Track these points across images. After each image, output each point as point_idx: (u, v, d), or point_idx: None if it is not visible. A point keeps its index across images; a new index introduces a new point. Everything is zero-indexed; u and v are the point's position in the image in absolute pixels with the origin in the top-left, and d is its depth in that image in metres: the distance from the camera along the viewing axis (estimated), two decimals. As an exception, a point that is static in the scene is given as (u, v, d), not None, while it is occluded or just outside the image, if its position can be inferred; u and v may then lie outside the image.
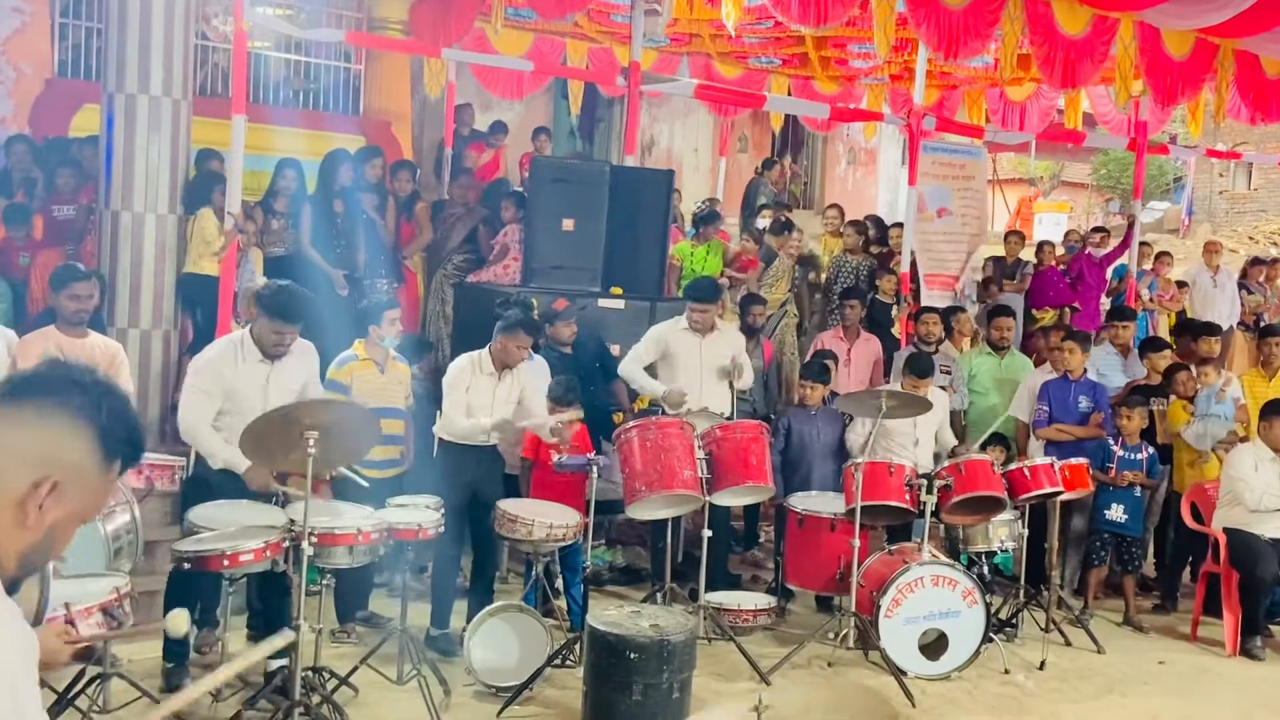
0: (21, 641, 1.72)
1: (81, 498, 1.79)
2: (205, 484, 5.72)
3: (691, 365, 7.56)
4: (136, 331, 7.45)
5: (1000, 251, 12.52)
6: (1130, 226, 12.21)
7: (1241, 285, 13.53)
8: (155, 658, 5.83)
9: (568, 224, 8.70)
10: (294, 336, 5.78)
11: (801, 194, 14.45)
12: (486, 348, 6.55)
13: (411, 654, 5.81)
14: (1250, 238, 25.16)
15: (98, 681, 5.14)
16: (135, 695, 5.31)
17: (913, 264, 10.45)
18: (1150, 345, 9.09)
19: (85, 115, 9.76)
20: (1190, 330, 9.73)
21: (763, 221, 11.52)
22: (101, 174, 7.58)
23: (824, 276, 11.13)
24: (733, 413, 7.41)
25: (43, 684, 4.82)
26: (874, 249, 11.33)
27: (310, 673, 5.29)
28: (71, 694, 5.10)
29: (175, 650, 5.80)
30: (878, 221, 12.15)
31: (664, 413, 7.17)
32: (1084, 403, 8.17)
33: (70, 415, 1.76)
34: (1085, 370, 8.41)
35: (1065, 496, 7.33)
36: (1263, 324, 11.97)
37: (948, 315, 9.52)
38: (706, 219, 10.58)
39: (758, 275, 10.36)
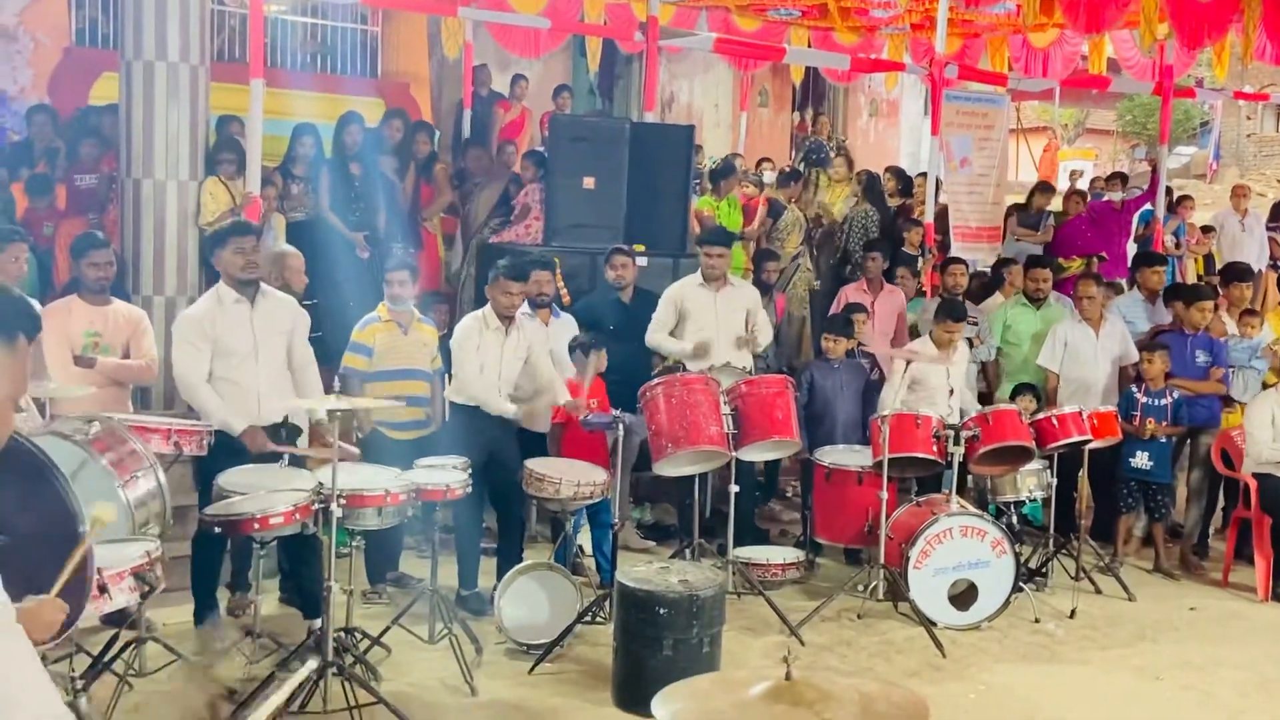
0: None
1: (1, 383, 1.89)
2: (228, 449, 5.77)
3: (708, 319, 7.54)
4: (161, 298, 7.49)
5: (1020, 200, 12.39)
6: (1154, 172, 12.07)
7: (1270, 228, 13.37)
8: (189, 621, 5.89)
9: (588, 182, 8.67)
10: (255, 251, 5.93)
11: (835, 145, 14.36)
12: (489, 302, 6.56)
13: (442, 614, 5.85)
14: (1279, 180, 24.87)
15: (133, 645, 5.20)
16: (170, 659, 5.38)
17: (939, 215, 10.37)
18: (1185, 293, 8.90)
19: (104, 84, 9.76)
20: (1224, 275, 9.61)
21: (769, 174, 11.46)
22: (122, 142, 7.60)
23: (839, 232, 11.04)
24: (754, 367, 7.40)
25: (78, 649, 4.92)
26: (893, 200, 11.25)
27: (343, 633, 5.34)
28: (107, 658, 5.17)
29: (205, 613, 5.87)
30: (899, 173, 12.04)
31: (686, 368, 7.17)
32: (1201, 357, 8.06)
33: None
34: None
35: (1094, 445, 7.29)
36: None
37: (999, 268, 9.45)
38: (723, 173, 10.53)
39: (765, 229, 10.32)
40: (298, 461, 5.69)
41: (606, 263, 7.86)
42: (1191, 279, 12.34)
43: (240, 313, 5.88)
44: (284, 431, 5.99)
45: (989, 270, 10.07)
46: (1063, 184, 16.81)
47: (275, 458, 5.69)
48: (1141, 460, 7.70)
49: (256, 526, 4.98)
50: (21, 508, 3.68)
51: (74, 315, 6.14)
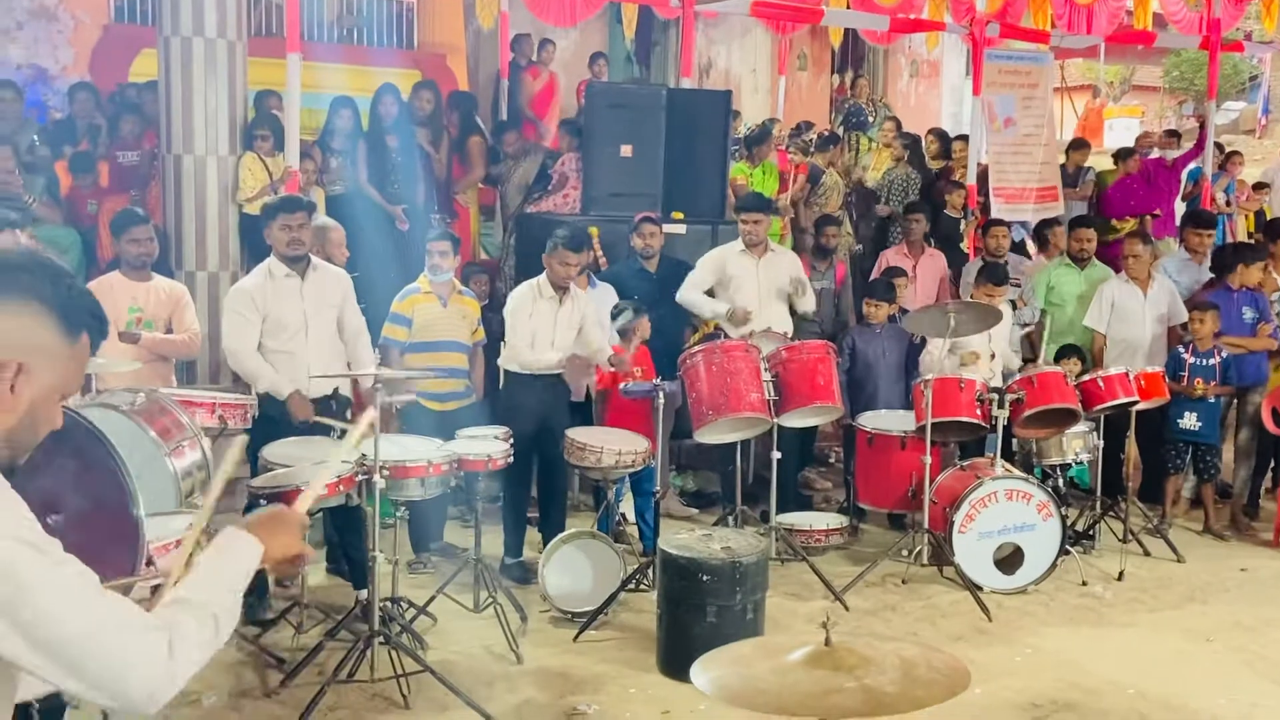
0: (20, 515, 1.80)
1: (54, 373, 1.86)
2: (272, 421, 5.81)
3: (749, 286, 7.50)
4: (204, 274, 7.56)
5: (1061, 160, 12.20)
6: (1203, 128, 11.85)
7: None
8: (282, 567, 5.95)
9: (626, 150, 8.62)
10: (306, 229, 5.96)
11: (871, 108, 14.20)
12: (544, 273, 6.55)
13: (487, 582, 5.89)
14: (1331, 135, 24.35)
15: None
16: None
17: (980, 176, 10.25)
18: (1235, 252, 8.72)
19: (144, 60, 9.82)
20: (1269, 231, 9.43)
21: (810, 135, 11.36)
22: (161, 118, 7.65)
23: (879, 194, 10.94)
24: (795, 333, 7.36)
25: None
26: (934, 163, 11.12)
27: (389, 603, 5.38)
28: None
29: (255, 584, 5.91)
30: (942, 135, 11.90)
31: (727, 336, 7.13)
32: (1248, 313, 7.94)
33: (20, 299, 1.83)
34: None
35: (1142, 406, 7.20)
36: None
37: (1042, 228, 9.34)
38: (758, 139, 10.45)
39: (805, 193, 10.23)
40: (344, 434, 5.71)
41: (634, 231, 7.83)
42: (1242, 236, 12.13)
43: (291, 286, 5.93)
44: (334, 404, 6.02)
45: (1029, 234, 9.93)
46: (1111, 143, 16.57)
47: (320, 429, 5.73)
48: (1190, 421, 7.60)
49: (300, 498, 5.01)
50: (76, 487, 3.73)
51: (116, 292, 6.19)
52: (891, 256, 9.08)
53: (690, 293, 7.58)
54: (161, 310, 6.37)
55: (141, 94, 9.12)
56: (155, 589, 4.63)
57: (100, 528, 3.77)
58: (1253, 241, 8.88)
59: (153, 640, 1.83)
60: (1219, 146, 12.83)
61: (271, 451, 5.43)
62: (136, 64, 10.22)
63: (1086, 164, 11.79)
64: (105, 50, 10.69)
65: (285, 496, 5.01)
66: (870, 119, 13.15)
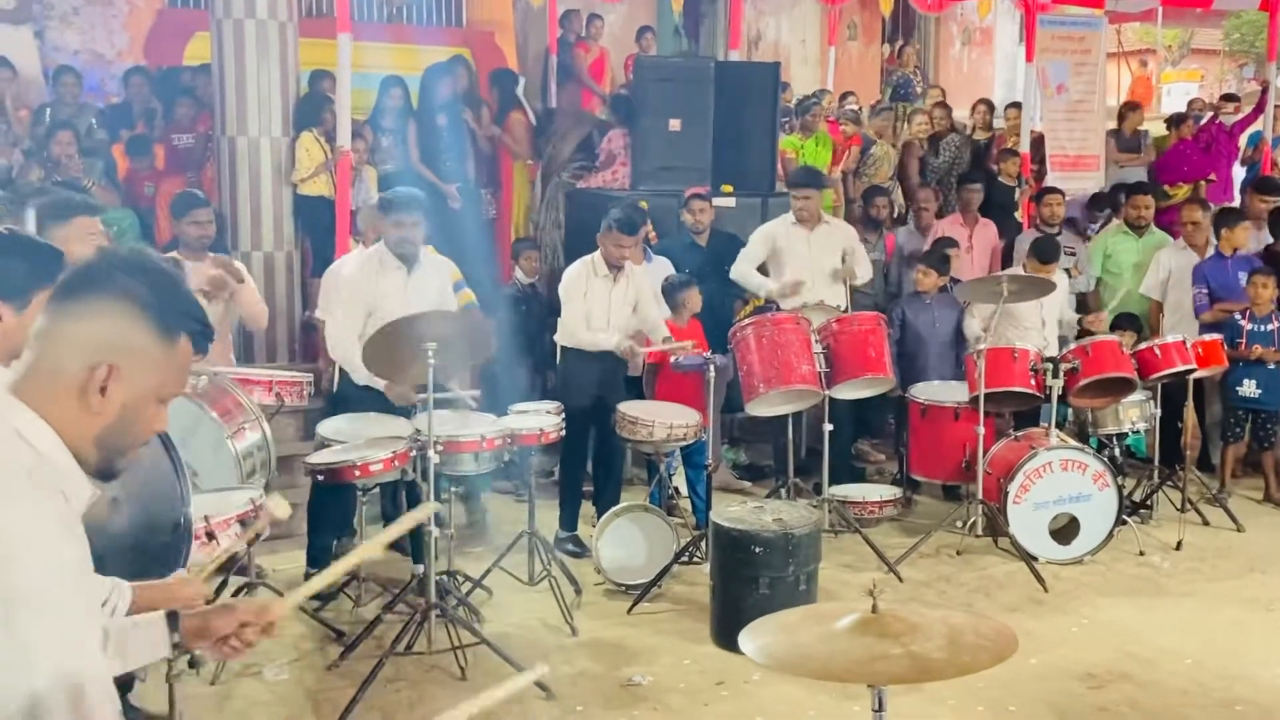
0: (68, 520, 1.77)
1: (149, 376, 1.83)
2: (345, 401, 5.88)
3: (801, 260, 7.47)
4: (260, 254, 7.65)
5: (1112, 125, 11.98)
6: (1264, 91, 11.61)
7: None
8: (299, 567, 6.06)
9: (674, 124, 8.61)
10: (418, 229, 5.91)
11: (919, 77, 14.06)
12: (598, 250, 6.57)
13: (542, 556, 5.94)
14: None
15: (244, 591, 5.37)
16: (280, 603, 5.54)
17: (1034, 144, 10.13)
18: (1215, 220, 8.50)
19: (197, 44, 9.92)
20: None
21: (857, 106, 11.26)
22: (215, 101, 7.74)
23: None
24: (848, 305, 7.34)
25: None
26: (979, 134, 11.00)
27: (445, 576, 5.45)
28: (219, 604, 5.34)
29: (318, 558, 6.02)
30: (989, 104, 11.76)
31: (779, 309, 7.12)
32: (1244, 279, 7.83)
33: (116, 299, 1.80)
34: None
35: (1200, 373, 7.11)
36: None
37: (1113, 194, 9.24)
38: (803, 110, 10.40)
39: (855, 163, 10.16)
40: (405, 412, 5.75)
41: (684, 208, 7.83)
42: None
43: (398, 280, 5.90)
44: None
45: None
46: (1169, 108, 16.27)
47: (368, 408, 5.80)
48: (1249, 388, 7.50)
49: (357, 474, 5.09)
50: (132, 475, 3.80)
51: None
52: (946, 226, 9.00)
53: (743, 268, 7.57)
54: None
55: (195, 77, 9.23)
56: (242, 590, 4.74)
57: (149, 520, 3.84)
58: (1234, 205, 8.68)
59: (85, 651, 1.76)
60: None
61: (326, 428, 5.52)
62: (190, 47, 10.32)
63: (1143, 127, 11.58)
64: (159, 34, 10.80)
65: (343, 473, 5.10)
66: (918, 89, 13.02)
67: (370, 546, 2.45)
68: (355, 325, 5.83)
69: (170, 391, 1.88)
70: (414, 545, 5.99)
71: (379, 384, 5.73)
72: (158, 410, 1.87)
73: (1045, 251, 7.53)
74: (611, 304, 6.55)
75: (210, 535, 3.95)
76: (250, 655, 5.14)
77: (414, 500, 5.82)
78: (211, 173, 8.31)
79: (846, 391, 6.69)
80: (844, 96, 12.21)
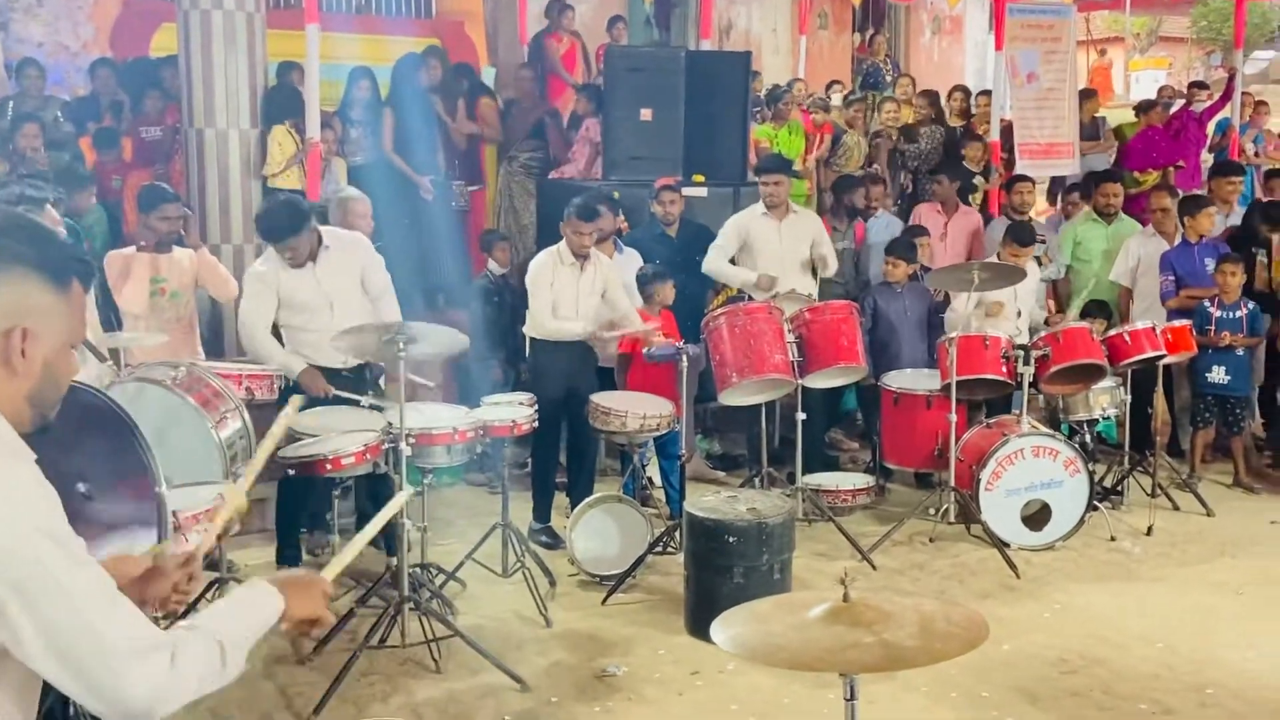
0: (50, 498, 1.83)
1: (58, 328, 1.90)
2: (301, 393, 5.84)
3: (771, 250, 7.48)
4: (229, 247, 7.60)
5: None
6: (1231, 79, 11.70)
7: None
8: (269, 561, 6.04)
9: (645, 114, 8.59)
10: (303, 242, 5.80)
11: (888, 66, 14.09)
12: (564, 239, 6.56)
13: (515, 547, 5.93)
14: (1363, 82, 23.98)
15: (215, 586, 5.34)
16: (253, 598, 5.51)
17: (1004, 132, 10.17)
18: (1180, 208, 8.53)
19: (164, 35, 9.84)
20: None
21: (836, 97, 11.29)
22: (183, 93, 7.67)
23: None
24: (818, 294, 7.35)
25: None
26: (955, 120, 11.04)
27: (418, 569, 5.43)
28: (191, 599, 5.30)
29: (288, 553, 6.00)
30: (965, 91, 11.80)
31: (750, 299, 7.13)
32: (1211, 265, 7.88)
33: (8, 266, 1.86)
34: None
35: (1169, 359, 7.16)
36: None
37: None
38: (774, 99, 10.41)
39: (825, 153, 10.19)
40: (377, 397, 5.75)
41: (654, 200, 7.82)
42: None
43: (303, 273, 5.87)
44: (368, 372, 6.04)
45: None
46: (1138, 96, 16.37)
47: (353, 389, 5.77)
48: (1218, 374, 7.55)
49: (329, 467, 5.07)
50: (103, 464, 3.79)
51: (138, 264, 6.25)
52: (925, 212, 9.04)
53: (716, 263, 7.56)
54: (185, 277, 6.43)
55: (161, 69, 9.14)
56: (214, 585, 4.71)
57: (125, 504, 3.83)
58: (1201, 194, 8.74)
59: (156, 656, 1.83)
60: (1247, 96, 12.65)
61: (299, 422, 5.47)
62: (157, 38, 10.24)
63: (1099, 114, 11.65)
64: (125, 25, 10.70)
65: (315, 466, 5.07)
66: (887, 78, 13.05)
67: (362, 538, 2.44)
68: (262, 317, 5.84)
69: (77, 336, 1.95)
70: (386, 538, 5.98)
71: (292, 371, 5.74)
72: (72, 355, 1.95)
73: (1022, 235, 7.57)
74: (579, 292, 6.54)
75: (178, 529, 3.92)
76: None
77: (386, 494, 5.81)
78: (180, 165, 8.24)
79: (819, 380, 6.70)
80: (830, 86, 12.22)
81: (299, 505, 6.04)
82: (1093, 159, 10.85)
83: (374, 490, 6.07)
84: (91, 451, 3.69)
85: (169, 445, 4.53)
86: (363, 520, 6.53)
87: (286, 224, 5.76)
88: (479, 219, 9.53)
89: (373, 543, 6.25)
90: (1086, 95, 11.87)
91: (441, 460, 5.43)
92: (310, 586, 2.14)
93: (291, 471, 5.19)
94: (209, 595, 5.31)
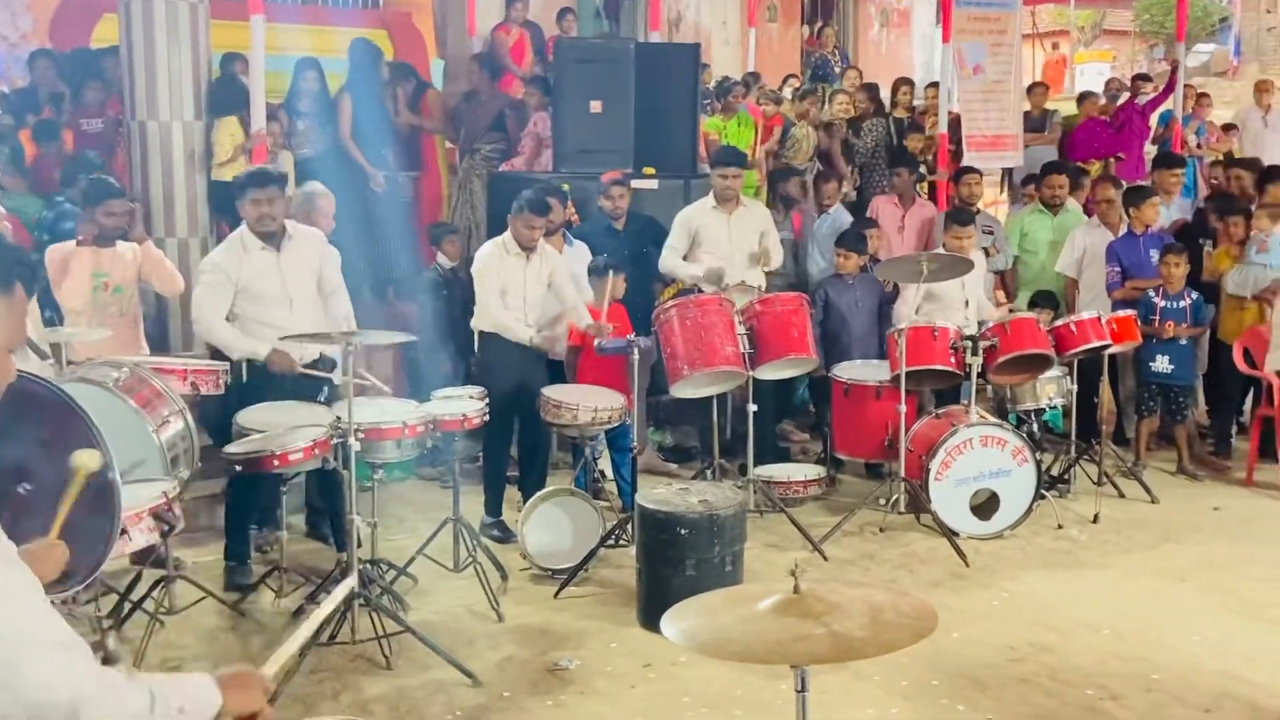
0: None
1: None
2: (254, 389, 5.78)
3: (720, 242, 7.48)
4: (174, 240, 7.50)
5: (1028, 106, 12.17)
6: (1174, 71, 11.85)
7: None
8: (217, 559, 5.97)
9: (595, 106, 8.57)
10: (277, 205, 5.84)
11: (836, 58, 14.17)
12: (509, 230, 6.53)
13: (467, 542, 5.90)
14: (1302, 75, 24.37)
15: (162, 584, 5.28)
16: (200, 596, 5.46)
17: (952, 125, 10.24)
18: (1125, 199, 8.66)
19: (105, 26, 9.68)
20: (1243, 165, 9.43)
21: (788, 90, 11.33)
22: (125, 84, 7.56)
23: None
24: (766, 286, 7.37)
25: (107, 589, 5.01)
26: (900, 113, 11.12)
27: (369, 565, 5.39)
28: (137, 597, 5.24)
29: (237, 550, 5.93)
30: (910, 84, 11.88)
31: (701, 291, 7.14)
32: (1155, 256, 7.97)
33: None
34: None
35: (1114, 349, 7.24)
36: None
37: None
38: (723, 91, 10.43)
39: (775, 145, 10.22)
40: (333, 398, 5.71)
41: (602, 194, 7.80)
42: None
43: (265, 260, 5.83)
44: (321, 365, 5.99)
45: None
46: (1081, 88, 16.54)
47: (308, 388, 5.71)
48: (1162, 364, 7.65)
49: (276, 463, 5.01)
50: (51, 457, 3.71)
51: (79, 259, 6.16)
52: (882, 205, 9.09)
53: (671, 260, 7.55)
54: (128, 272, 6.34)
55: (102, 60, 9.00)
56: (160, 583, 4.61)
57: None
58: (1145, 184, 8.87)
59: (71, 654, 1.81)
60: (1189, 89, 12.82)
61: (246, 417, 5.42)
62: (98, 30, 10.08)
63: (1049, 106, 11.77)
64: (65, 16, 10.52)
65: (262, 462, 5.02)
66: (836, 70, 13.12)
67: (306, 630, 2.41)
68: (219, 306, 5.79)
69: (17, 339, 1.95)
70: (337, 534, 5.94)
71: (258, 355, 5.70)
72: (9, 360, 1.94)
73: (961, 215, 7.67)
74: (526, 282, 6.52)
75: (122, 530, 3.86)
76: (170, 650, 5.08)
77: (334, 489, 5.77)
78: (122, 158, 8.12)
79: (770, 372, 6.72)
80: (785, 79, 12.26)
81: (248, 502, 5.97)
82: (1041, 151, 10.95)
83: (323, 486, 6.04)
84: (35, 444, 3.62)
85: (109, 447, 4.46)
86: (313, 515, 6.50)
87: (270, 175, 5.95)
88: (423, 209, 9.48)
89: (323, 538, 6.29)
90: (1038, 88, 12.01)
91: (391, 455, 5.39)
92: (249, 684, 2.11)
93: (238, 468, 5.13)
94: (154, 594, 5.26)
